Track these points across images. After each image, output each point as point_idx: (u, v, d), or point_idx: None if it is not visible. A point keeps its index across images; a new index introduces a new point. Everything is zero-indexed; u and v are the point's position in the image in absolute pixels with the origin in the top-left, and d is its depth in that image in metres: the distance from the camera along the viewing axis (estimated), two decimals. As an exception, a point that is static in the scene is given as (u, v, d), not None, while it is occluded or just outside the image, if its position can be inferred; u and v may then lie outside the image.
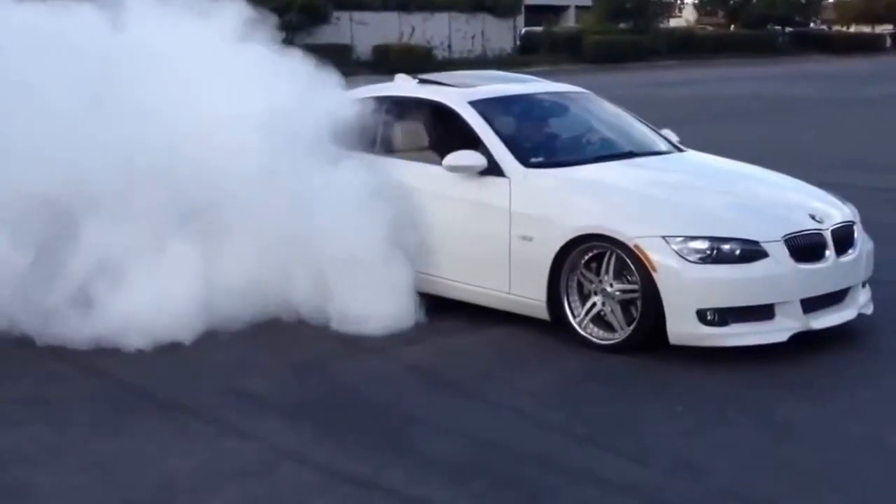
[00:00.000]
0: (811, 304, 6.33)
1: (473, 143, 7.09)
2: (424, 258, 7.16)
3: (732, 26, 59.39)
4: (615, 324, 6.40)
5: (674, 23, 59.09)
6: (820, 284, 6.35)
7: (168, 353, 6.53)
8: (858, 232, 6.73)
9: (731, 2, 60.37)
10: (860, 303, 6.66)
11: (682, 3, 60.38)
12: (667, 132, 7.96)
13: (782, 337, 6.20)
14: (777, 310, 6.22)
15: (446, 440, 5.24)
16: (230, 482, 4.80)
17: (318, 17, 35.14)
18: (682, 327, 6.17)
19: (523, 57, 40.60)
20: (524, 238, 6.68)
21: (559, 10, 55.37)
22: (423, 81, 7.88)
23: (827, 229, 6.45)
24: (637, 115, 8.12)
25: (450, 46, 39.54)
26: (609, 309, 6.42)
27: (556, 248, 6.51)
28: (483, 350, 6.62)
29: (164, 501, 4.64)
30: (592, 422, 5.43)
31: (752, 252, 6.18)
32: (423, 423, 5.47)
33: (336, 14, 36.04)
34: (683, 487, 4.71)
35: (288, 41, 31.13)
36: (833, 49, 47.67)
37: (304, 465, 4.96)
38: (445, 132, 7.42)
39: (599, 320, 6.48)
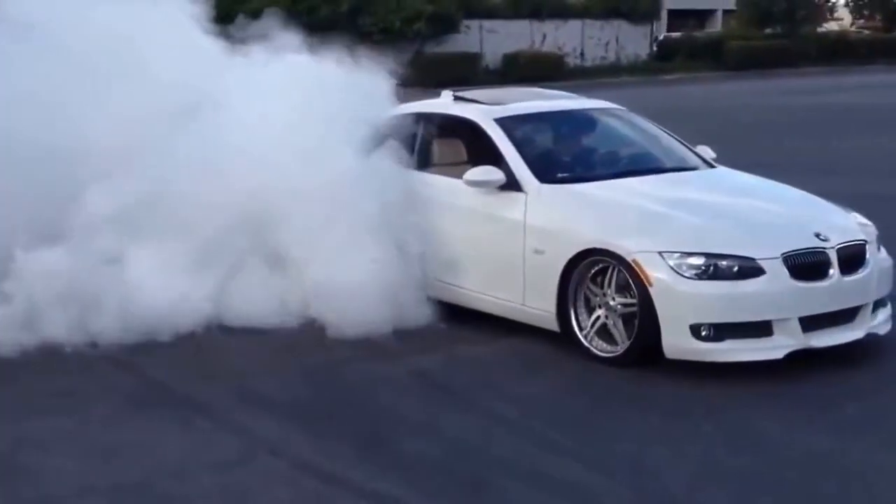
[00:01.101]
0: (813, 323, 6.37)
1: (496, 158, 7.35)
2: (446, 269, 7.45)
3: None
4: (617, 337, 6.57)
5: (828, 27, 57.49)
6: (821, 303, 6.39)
7: (192, 350, 7.02)
8: (871, 251, 6.72)
9: (893, 4, 58.29)
10: (872, 323, 6.65)
11: (835, 6, 58.67)
12: (702, 148, 8.04)
13: (778, 354, 6.27)
14: (775, 327, 6.30)
15: (422, 441, 5.54)
16: (209, 471, 5.21)
17: (447, 27, 35.55)
18: (677, 342, 6.30)
19: (659, 64, 40.21)
20: (537, 251, 6.89)
21: (705, 15, 54.60)
22: (458, 98, 8.16)
23: (832, 248, 6.48)
24: (670, 132, 8.24)
25: (582, 54, 39.42)
26: (612, 322, 6.59)
27: (565, 261, 6.71)
28: (490, 359, 6.88)
29: (147, 485, 5.06)
30: (566, 430, 5.66)
31: (748, 269, 6.26)
32: (408, 425, 5.79)
33: (466, 23, 36.36)
34: (628, 493, 4.90)
35: (418, 51, 31.80)
36: None
37: (280, 458, 5.32)
38: (473, 148, 7.69)
39: (604, 333, 6.65)
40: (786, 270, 6.30)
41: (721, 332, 6.26)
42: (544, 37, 38.33)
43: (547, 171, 7.26)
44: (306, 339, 7.20)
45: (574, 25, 39.01)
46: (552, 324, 6.87)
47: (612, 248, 6.50)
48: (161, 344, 7.08)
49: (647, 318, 6.34)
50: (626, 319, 6.52)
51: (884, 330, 6.78)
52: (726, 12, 52.80)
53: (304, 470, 5.18)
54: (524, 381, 6.44)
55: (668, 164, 7.68)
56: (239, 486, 5.05)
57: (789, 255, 6.34)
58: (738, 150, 15.57)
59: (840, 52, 42.35)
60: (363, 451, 5.40)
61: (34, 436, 5.66)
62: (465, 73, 33.47)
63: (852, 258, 6.57)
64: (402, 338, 7.14)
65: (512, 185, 7.16)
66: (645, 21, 40.85)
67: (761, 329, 6.29)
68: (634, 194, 6.99)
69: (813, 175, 12.51)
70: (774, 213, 6.92)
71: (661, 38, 43.46)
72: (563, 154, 7.74)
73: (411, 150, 7.96)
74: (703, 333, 6.25)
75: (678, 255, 6.31)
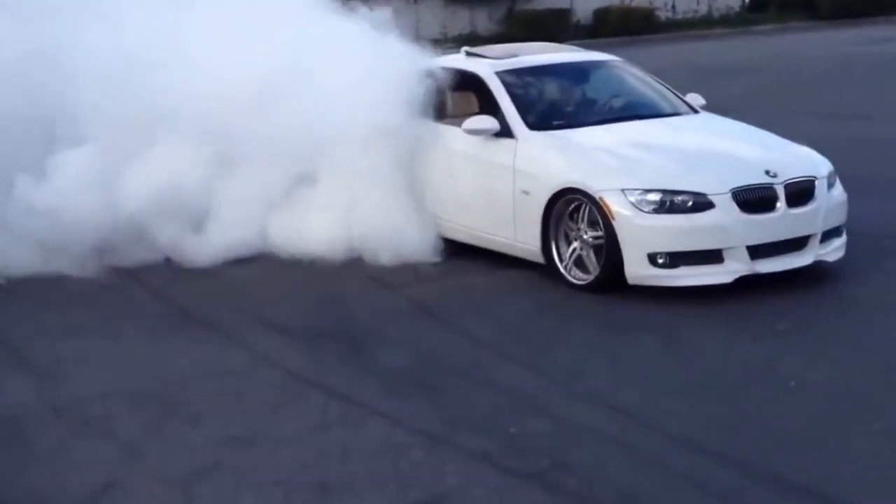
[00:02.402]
0: (761, 251, 7.06)
1: (495, 108, 8.15)
2: (450, 209, 8.32)
3: None
4: (589, 266, 7.35)
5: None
6: (768, 233, 7.09)
7: (222, 279, 8.10)
8: (821, 186, 7.35)
9: None
10: (821, 251, 7.30)
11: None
12: (692, 96, 8.71)
13: (728, 279, 7.00)
14: (725, 254, 7.03)
15: (398, 354, 6.46)
16: (214, 378, 6.19)
17: (538, -17, 35.95)
18: (637, 269, 7.07)
19: (751, 15, 39.87)
20: (524, 192, 7.70)
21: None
22: (469, 54, 8.95)
23: (780, 184, 7.15)
24: (662, 81, 8.91)
25: (674, 7, 39.30)
26: (585, 253, 7.37)
27: (545, 200, 7.51)
28: (480, 287, 7.73)
29: (157, 390, 6.05)
30: (523, 343, 6.54)
31: (700, 203, 6.99)
32: (390, 342, 6.71)
33: (556, -22, 36.67)
34: (555, 391, 5.75)
35: (510, 8, 32.13)
36: None
37: (276, 369, 6.28)
38: (477, 99, 8.48)
39: (580, 263, 7.43)
40: (734, 204, 7.01)
41: (676, 259, 7.01)
42: (636, -10, 38.33)
43: (536, 119, 8.05)
44: (324, 272, 8.13)
45: (666, -22, 38.92)
46: (539, 257, 7.67)
47: (582, 187, 7.28)
48: (194, 273, 8.16)
49: (612, 249, 7.12)
50: (597, 251, 7.30)
51: (833, 257, 7.44)
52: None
53: (294, 378, 6.12)
54: (504, 306, 7.30)
55: (651, 112, 8.39)
56: (236, 390, 6.01)
57: (738, 191, 7.04)
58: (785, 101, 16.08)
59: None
60: (345, 363, 6.34)
61: (71, 354, 6.71)
62: (556, 29, 33.70)
63: (801, 193, 7.23)
64: (409, 271, 8.05)
65: (505, 132, 7.96)
66: (737, -28, 40.45)
67: (712, 257, 7.02)
68: (609, 139, 7.75)
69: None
70: (732, 152, 7.64)
71: (755, -12, 42.98)
72: (554, 103, 8.50)
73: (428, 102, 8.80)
74: (660, 261, 7.01)
75: (638, 191, 7.07)
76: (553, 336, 6.67)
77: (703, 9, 39.75)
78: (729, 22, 38.86)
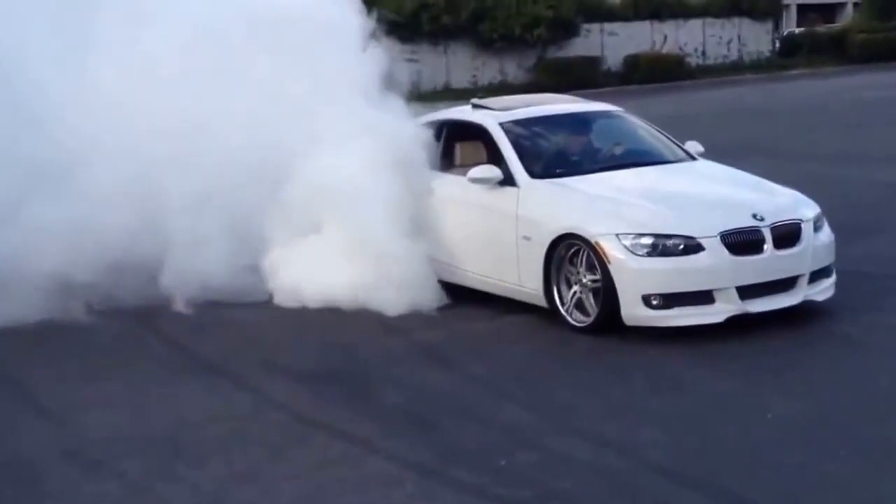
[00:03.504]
0: (751, 291, 7.32)
1: (498, 157, 8.51)
2: (457, 256, 8.65)
3: None
4: (589, 309, 7.63)
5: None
6: (756, 274, 7.36)
7: (231, 326, 8.42)
8: (807, 228, 7.62)
9: None
10: (810, 291, 7.55)
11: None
12: (691, 143, 9.02)
13: (719, 318, 7.28)
14: (716, 295, 7.31)
15: (399, 395, 6.77)
16: (221, 421, 6.47)
17: (568, 31, 36.45)
18: (633, 310, 7.35)
19: (782, 60, 40.24)
20: (526, 238, 8.01)
21: (834, 9, 54.01)
22: (475, 106, 9.33)
23: (767, 227, 7.43)
24: (661, 130, 9.24)
25: (704, 52, 39.75)
26: (585, 296, 7.65)
27: (546, 245, 7.81)
28: (485, 333, 8.03)
29: (166, 434, 6.31)
30: (521, 383, 6.82)
31: (691, 246, 7.28)
32: (393, 384, 6.99)
33: (586, 27, 37.18)
34: (548, 428, 6.03)
35: (540, 56, 32.80)
36: None
37: (281, 412, 6.56)
38: (482, 149, 8.85)
39: (580, 306, 7.71)
40: (723, 247, 7.29)
41: (669, 301, 7.29)
42: (665, 37, 38.87)
43: (538, 168, 8.39)
44: (330, 317, 8.48)
45: (695, 25, 39.44)
46: (541, 300, 7.95)
47: (580, 233, 7.58)
48: (202, 318, 8.55)
49: (608, 292, 7.40)
50: (595, 293, 7.57)
51: (822, 297, 7.70)
52: (856, 5, 52.04)
53: (298, 419, 6.40)
54: (505, 349, 7.59)
55: (649, 159, 8.71)
56: (241, 432, 6.28)
57: (726, 234, 7.32)
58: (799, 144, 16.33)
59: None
60: (348, 404, 6.62)
61: (87, 397, 7.06)
62: (586, 77, 34.32)
63: (787, 235, 7.51)
64: (415, 316, 8.35)
65: (508, 180, 8.30)
66: (766, 18, 40.88)
67: (704, 297, 7.31)
68: (606, 186, 8.06)
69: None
70: (722, 197, 7.95)
71: (784, 34, 43.34)
72: (555, 153, 8.82)
73: (435, 152, 9.18)
74: (654, 303, 7.29)
75: (631, 236, 7.36)
76: (549, 376, 6.94)
77: (734, 54, 40.20)
78: (759, 67, 39.23)
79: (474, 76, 36.34)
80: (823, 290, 7.72)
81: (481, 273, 8.55)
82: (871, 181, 13.22)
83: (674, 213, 7.56)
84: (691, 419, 6.00)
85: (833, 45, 40.40)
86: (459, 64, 36.34)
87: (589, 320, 7.62)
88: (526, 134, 8.79)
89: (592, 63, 36.27)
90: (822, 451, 5.42)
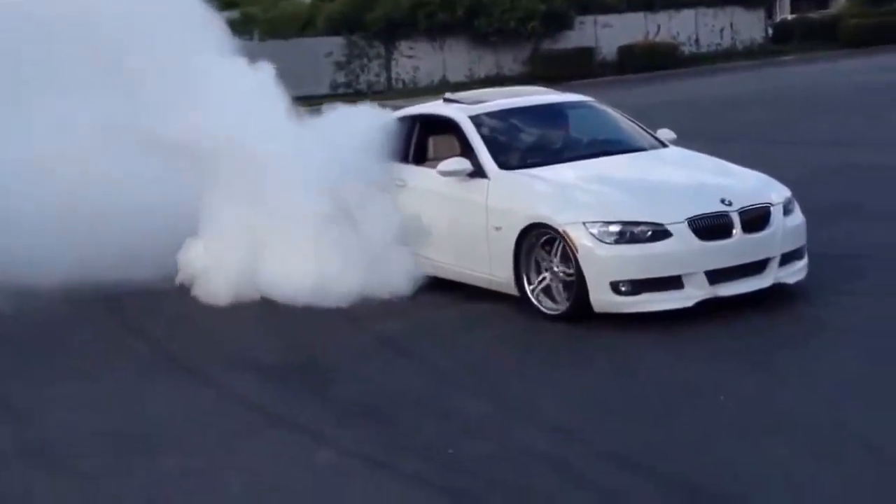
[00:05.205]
0: (720, 275, 7.32)
1: (469, 150, 8.51)
2: (429, 247, 8.66)
3: None
4: (557, 297, 7.62)
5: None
6: (725, 258, 7.33)
7: (195, 320, 8.48)
8: (777, 212, 7.61)
9: None
10: (780, 273, 7.54)
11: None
12: (663, 131, 9.00)
13: (689, 303, 7.25)
14: (685, 280, 7.28)
15: (358, 387, 6.75)
16: (182, 416, 6.45)
17: (562, 24, 36.46)
18: (602, 297, 7.33)
19: (775, 46, 40.15)
20: (496, 228, 8.00)
21: (829, -6, 53.79)
22: (447, 100, 9.34)
23: (735, 211, 7.40)
24: (633, 119, 9.23)
25: (697, 41, 39.65)
26: (554, 285, 7.64)
27: (516, 235, 7.79)
28: (449, 322, 8.02)
29: (126, 430, 6.29)
30: (478, 373, 6.82)
31: (658, 233, 7.27)
32: (353, 377, 6.99)
33: (580, 19, 37.12)
34: (503, 417, 6.01)
35: (535, 48, 32.82)
36: None
37: (241, 406, 6.55)
38: (453, 142, 8.86)
39: (549, 292, 7.70)
40: (691, 232, 7.27)
41: (638, 287, 7.26)
42: (658, 27, 38.77)
43: (507, 159, 8.36)
44: (296, 311, 8.43)
45: (687, 14, 39.35)
46: (512, 289, 7.94)
47: (548, 222, 7.55)
48: (169, 315, 8.58)
49: (578, 279, 7.39)
50: (565, 282, 7.56)
51: (793, 279, 7.66)
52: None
53: (259, 413, 6.38)
54: (468, 338, 7.59)
55: (619, 148, 8.68)
56: (201, 426, 6.27)
57: (694, 219, 7.30)
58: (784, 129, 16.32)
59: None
60: (308, 397, 6.64)
61: (60, 394, 7.04)
62: (581, 68, 34.41)
63: (756, 219, 7.48)
64: (380, 307, 8.33)
65: (478, 172, 8.29)
66: (758, 5, 40.80)
67: (673, 283, 7.27)
68: (575, 175, 8.04)
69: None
70: (690, 183, 7.91)
71: (777, 20, 43.26)
72: (524, 144, 8.77)
73: (407, 146, 9.19)
74: (623, 289, 7.27)
75: (599, 224, 7.35)
76: (512, 366, 6.92)
77: (727, 42, 40.12)
78: (752, 54, 39.17)
79: (471, 70, 36.39)
80: (794, 273, 7.70)
81: (454, 264, 8.54)
82: (853, 164, 13.16)
83: (641, 201, 7.54)
84: (650, 406, 5.96)
85: (825, 30, 40.27)
86: (456, 59, 36.38)
87: (560, 308, 7.63)
88: (495, 126, 8.76)
89: (587, 54, 36.24)
90: (776, 436, 5.37)
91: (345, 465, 5.49)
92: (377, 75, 35.80)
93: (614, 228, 7.33)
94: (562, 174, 8.08)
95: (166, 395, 6.88)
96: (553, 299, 7.66)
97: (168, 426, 6.32)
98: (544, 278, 7.69)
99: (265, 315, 8.50)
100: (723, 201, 7.46)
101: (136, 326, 8.49)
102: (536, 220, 7.66)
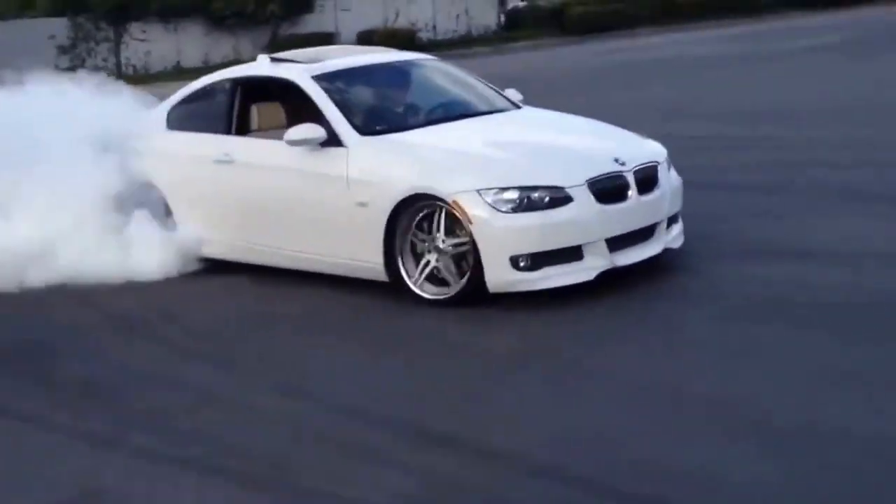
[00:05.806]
0: (617, 243, 6.74)
1: (317, 115, 7.48)
2: (267, 232, 7.66)
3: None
4: (450, 279, 6.77)
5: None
6: (624, 223, 6.77)
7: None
8: (663, 171, 7.13)
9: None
10: (667, 238, 7.07)
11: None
12: (510, 91, 8.35)
13: (590, 276, 6.63)
14: (585, 250, 6.64)
15: (85, 367, 6.42)
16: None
17: (301, 7, 35.43)
18: (499, 275, 6.56)
19: (508, 33, 40.70)
20: (361, 204, 7.04)
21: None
22: (274, 60, 8.27)
23: (630, 171, 6.85)
24: (480, 78, 8.54)
25: (434, 27, 39.63)
26: (442, 265, 6.78)
27: (389, 210, 6.87)
28: (188, 298, 7.65)
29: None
30: (210, 339, 6.72)
31: (559, 198, 6.58)
32: (80, 357, 6.62)
33: (320, 2, 36.30)
34: (235, 382, 5.95)
35: (274, 33, 31.40)
36: (819, 4, 46.25)
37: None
38: (294, 108, 7.83)
39: (433, 278, 6.85)
40: (591, 196, 6.64)
41: (537, 260, 6.55)
42: (397, 13, 38.41)
43: (366, 124, 7.45)
44: (31, 296, 7.92)
45: (424, 1, 39.22)
46: (381, 275, 7.03)
47: (433, 192, 6.70)
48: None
49: (476, 257, 6.58)
50: (456, 260, 6.73)
51: (678, 243, 7.22)
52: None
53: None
54: (203, 312, 7.31)
55: (480, 108, 7.96)
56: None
57: (593, 181, 6.68)
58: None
59: (671, 12, 43.02)
60: (26, 378, 6.28)
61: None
62: (320, 54, 33.57)
63: (647, 179, 6.96)
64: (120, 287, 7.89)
65: (333, 140, 7.30)
66: (493, -10, 41.28)
67: (573, 254, 6.62)
68: (451, 138, 7.28)
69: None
70: (577, 143, 7.32)
71: (509, 8, 43.97)
72: (382, 106, 7.95)
73: (229, 116, 8.07)
74: (522, 264, 6.53)
75: (494, 191, 6.56)
76: (242, 332, 6.80)
77: (463, 28, 40.28)
78: (487, 40, 39.50)
79: (207, 55, 34.66)
80: (676, 237, 7.23)
81: (303, 250, 7.49)
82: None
83: (534, 164, 6.86)
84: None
85: (554, 18, 41.22)
86: (191, 43, 34.58)
87: (448, 292, 6.78)
88: (343, 88, 7.80)
89: (327, 40, 35.27)
90: (592, 400, 5.25)
91: (66, 445, 5.27)
92: (105, 60, 33.42)
93: (511, 195, 6.57)
94: (435, 139, 7.27)
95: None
96: (441, 283, 6.80)
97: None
98: (428, 262, 6.82)
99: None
100: (616, 161, 6.87)
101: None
102: (416, 191, 6.79)
